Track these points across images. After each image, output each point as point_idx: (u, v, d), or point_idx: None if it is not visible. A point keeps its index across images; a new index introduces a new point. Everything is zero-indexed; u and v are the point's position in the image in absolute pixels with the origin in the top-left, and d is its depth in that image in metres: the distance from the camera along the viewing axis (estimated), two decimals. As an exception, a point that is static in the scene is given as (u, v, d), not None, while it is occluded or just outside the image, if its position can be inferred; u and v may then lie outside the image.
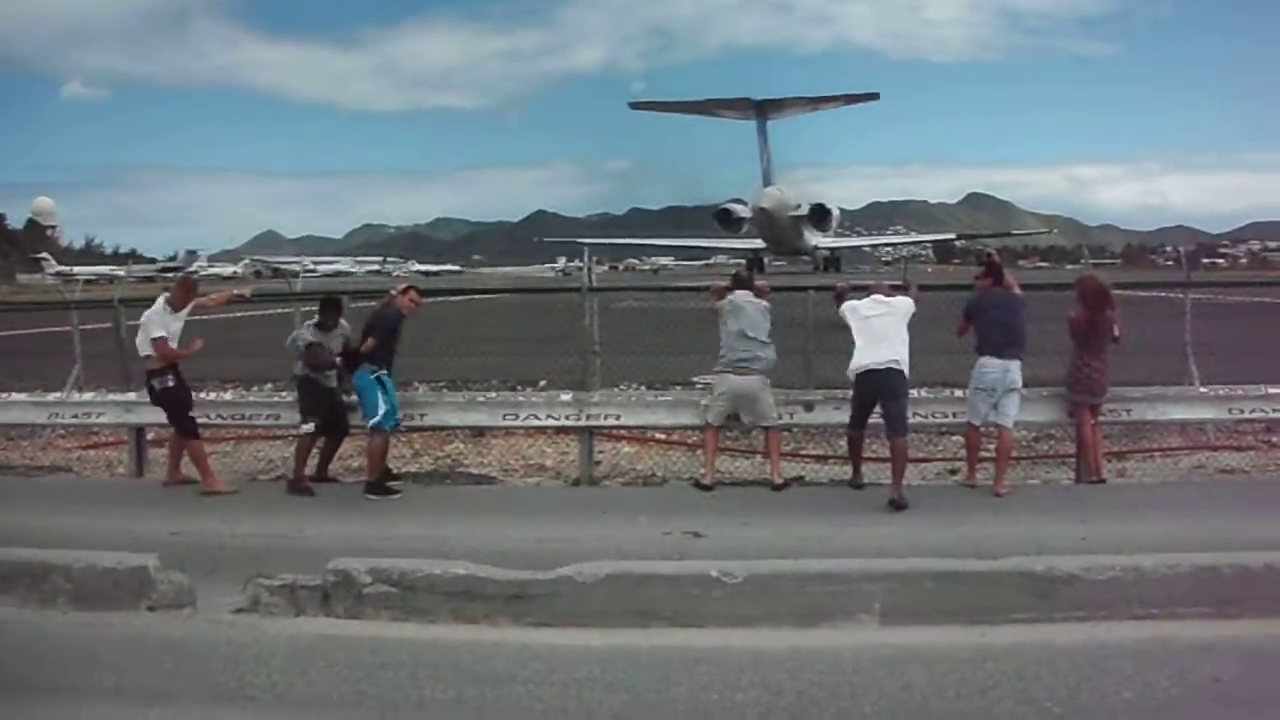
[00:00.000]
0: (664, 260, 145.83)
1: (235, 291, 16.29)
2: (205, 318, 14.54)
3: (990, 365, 11.58)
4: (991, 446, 12.21)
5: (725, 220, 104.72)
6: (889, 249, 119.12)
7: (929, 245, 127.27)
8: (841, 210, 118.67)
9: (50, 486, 14.03)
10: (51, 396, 15.03)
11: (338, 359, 12.55)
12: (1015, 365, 11.63)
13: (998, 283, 12.19)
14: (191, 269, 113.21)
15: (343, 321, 12.93)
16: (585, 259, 15.76)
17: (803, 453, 14.30)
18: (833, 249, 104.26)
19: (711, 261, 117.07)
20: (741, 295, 12.35)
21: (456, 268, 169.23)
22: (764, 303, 12.42)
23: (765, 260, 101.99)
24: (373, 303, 13.62)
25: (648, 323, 17.71)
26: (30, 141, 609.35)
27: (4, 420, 15.17)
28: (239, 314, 22.52)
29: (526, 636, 7.55)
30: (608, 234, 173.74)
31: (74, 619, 8.13)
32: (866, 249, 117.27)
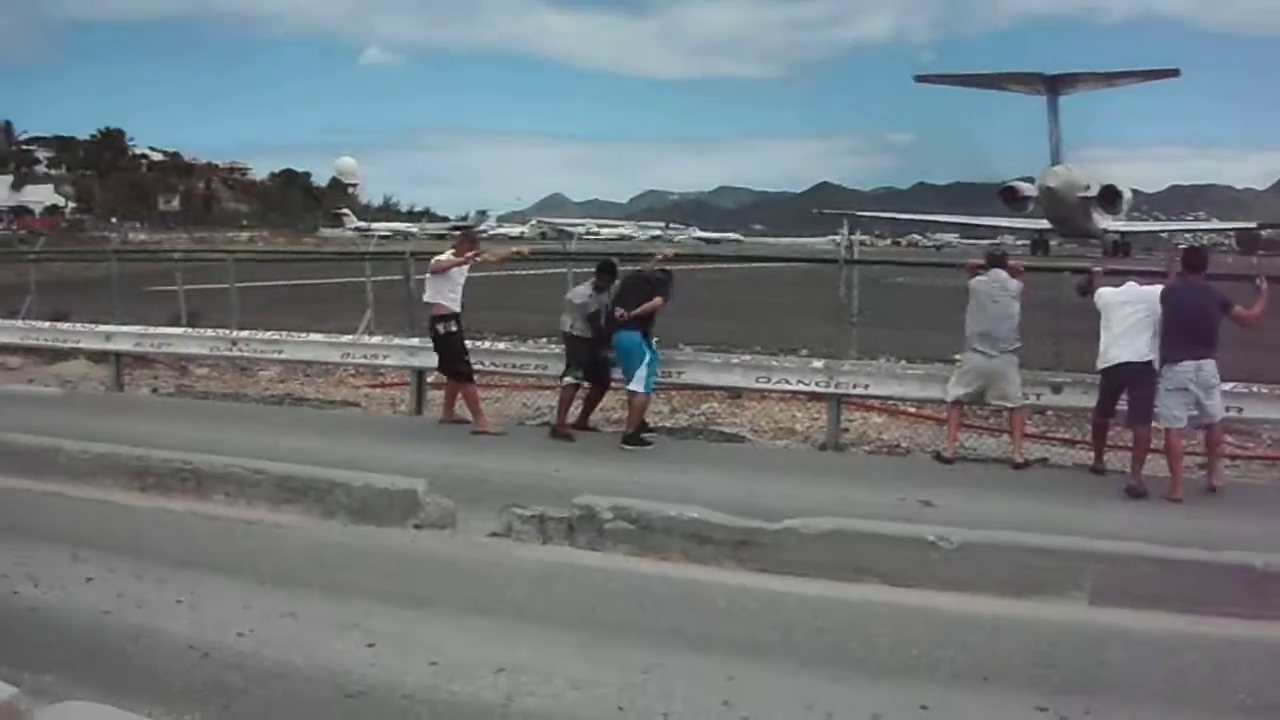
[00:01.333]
0: (948, 237, 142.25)
1: (515, 250, 17.39)
2: (489, 273, 15.58)
3: (1182, 366, 10.72)
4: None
5: (1010, 198, 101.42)
6: (1188, 236, 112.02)
7: (1230, 234, 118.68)
8: (1138, 193, 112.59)
9: (339, 418, 15.52)
10: (345, 338, 16.53)
11: (604, 319, 13.31)
12: (1208, 364, 10.73)
13: (1193, 273, 11.26)
14: (481, 228, 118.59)
15: (616, 283, 13.65)
16: (844, 231, 15.96)
17: (1051, 435, 14.10)
18: (1123, 233, 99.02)
19: (997, 241, 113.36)
20: (992, 275, 12.33)
21: (737, 236, 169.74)
22: (1016, 283, 12.34)
23: (1050, 242, 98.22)
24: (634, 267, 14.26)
25: (915, 298, 17.71)
26: (332, 105, 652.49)
27: (303, 357, 17.01)
28: (520, 272, 23.78)
29: (748, 580, 8.08)
30: (891, 208, 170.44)
31: (351, 530, 9.24)
32: (1162, 235, 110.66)
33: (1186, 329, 10.78)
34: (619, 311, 12.97)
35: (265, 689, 5.97)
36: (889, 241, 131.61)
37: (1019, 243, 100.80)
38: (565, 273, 16.28)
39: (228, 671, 6.15)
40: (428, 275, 13.83)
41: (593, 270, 13.96)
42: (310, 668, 6.23)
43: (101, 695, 4.95)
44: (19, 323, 19.47)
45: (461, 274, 13.66)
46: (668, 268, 13.94)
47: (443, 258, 13.73)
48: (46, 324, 19.22)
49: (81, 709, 4.40)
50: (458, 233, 25.87)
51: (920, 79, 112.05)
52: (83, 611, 7.12)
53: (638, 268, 13.98)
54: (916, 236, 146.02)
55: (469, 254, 13.81)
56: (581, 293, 13.56)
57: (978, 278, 12.36)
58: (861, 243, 16.12)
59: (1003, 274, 12.36)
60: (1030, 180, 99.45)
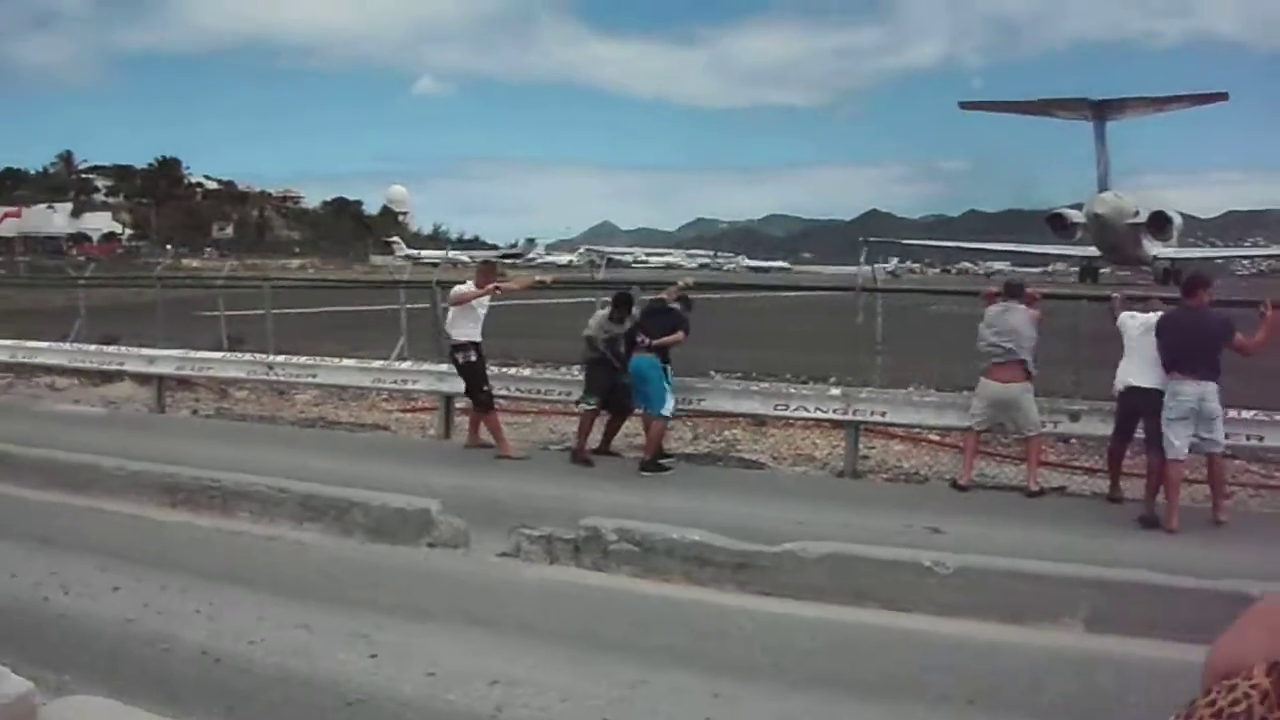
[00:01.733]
0: (999, 265, 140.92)
1: (536, 278, 17.79)
2: (520, 302, 15.89)
3: (1185, 392, 10.62)
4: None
5: (1058, 226, 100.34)
6: (1244, 262, 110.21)
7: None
8: (1192, 219, 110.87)
9: (368, 441, 15.90)
10: (377, 363, 17.03)
11: (623, 347, 13.61)
12: (1211, 389, 10.62)
13: (1192, 299, 11.20)
14: (530, 256, 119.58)
15: (634, 312, 13.95)
16: (862, 260, 16.12)
17: (1072, 464, 14.19)
18: (1174, 260, 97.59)
19: (1050, 269, 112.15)
20: (1005, 303, 12.51)
21: (786, 264, 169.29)
22: (1033, 311, 12.50)
23: (1100, 269, 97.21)
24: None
25: (959, 326, 17.79)
26: (384, 134, 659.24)
27: (337, 381, 17.53)
28: (551, 301, 24.16)
29: (746, 602, 8.31)
30: (941, 236, 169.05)
31: (367, 548, 9.61)
32: (1218, 261, 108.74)
33: (1187, 355, 10.74)
34: (641, 338, 13.27)
35: (269, 694, 6.31)
36: (939, 270, 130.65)
37: (1070, 270, 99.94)
38: (594, 301, 16.59)
39: (237, 677, 6.51)
40: (450, 306, 14.18)
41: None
42: (314, 675, 6.56)
43: (114, 694, 5.26)
44: (67, 345, 20.14)
45: (483, 305, 13.97)
46: (689, 296, 14.22)
47: (462, 289, 14.10)
48: (93, 347, 19.87)
49: (83, 702, 4.74)
50: (506, 261, 26.33)
51: (965, 105, 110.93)
52: (108, 618, 7.51)
53: (659, 294, 14.27)
54: (968, 265, 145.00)
55: (489, 286, 14.16)
56: (598, 322, 13.88)
57: (991, 305, 12.58)
58: (910, 271, 16.23)
59: (1016, 302, 12.52)
60: (1079, 207, 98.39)
